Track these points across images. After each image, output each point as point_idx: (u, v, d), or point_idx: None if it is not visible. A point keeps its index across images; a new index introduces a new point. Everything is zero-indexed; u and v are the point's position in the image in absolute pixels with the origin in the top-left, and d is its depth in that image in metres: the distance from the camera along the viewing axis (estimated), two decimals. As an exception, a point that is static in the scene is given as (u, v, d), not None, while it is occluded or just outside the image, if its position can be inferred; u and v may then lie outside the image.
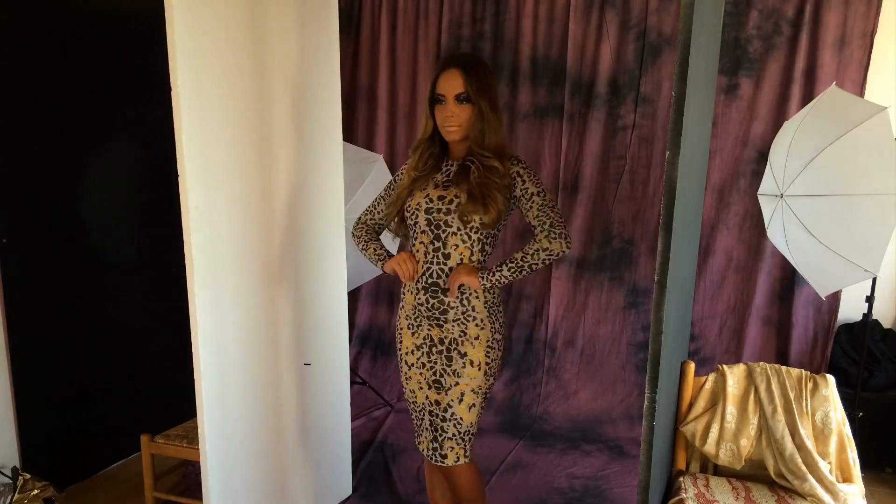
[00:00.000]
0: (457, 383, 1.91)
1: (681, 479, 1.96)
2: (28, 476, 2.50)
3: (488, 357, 1.93)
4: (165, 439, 2.45)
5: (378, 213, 2.10)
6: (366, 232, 2.11)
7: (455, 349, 1.91)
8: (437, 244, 1.90)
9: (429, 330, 1.95)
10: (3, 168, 2.51)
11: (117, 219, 2.99)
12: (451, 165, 1.96)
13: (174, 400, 2.78)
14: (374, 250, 2.07)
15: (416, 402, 2.03)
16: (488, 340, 1.93)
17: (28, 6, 2.56)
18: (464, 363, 1.91)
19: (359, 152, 3.40)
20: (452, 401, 1.91)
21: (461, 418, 1.92)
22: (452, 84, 1.85)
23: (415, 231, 1.95)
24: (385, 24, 3.94)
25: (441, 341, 1.93)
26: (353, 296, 4.10)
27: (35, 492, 2.46)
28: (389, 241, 3.42)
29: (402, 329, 2.03)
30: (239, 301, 2.08)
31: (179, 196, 1.85)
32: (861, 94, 3.08)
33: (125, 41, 2.92)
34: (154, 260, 3.10)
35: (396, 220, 2.02)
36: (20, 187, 2.58)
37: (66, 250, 2.76)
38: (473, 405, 1.93)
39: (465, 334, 1.91)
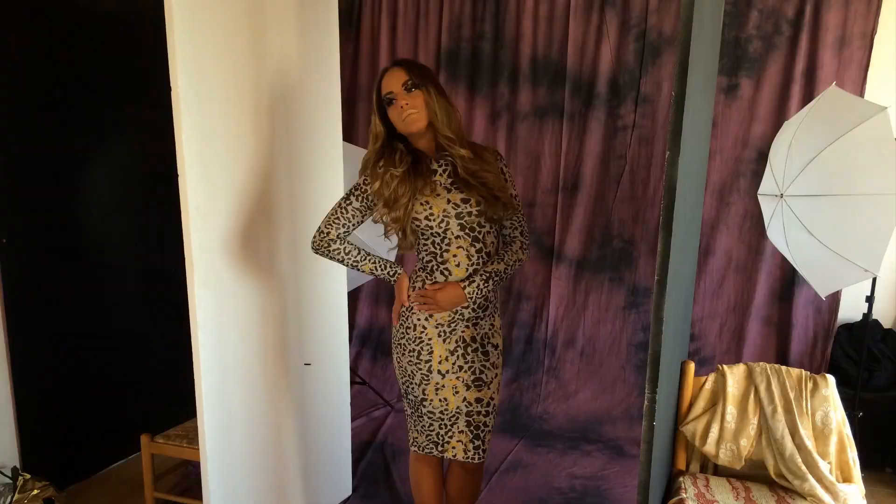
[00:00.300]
0: (496, 375, 2.02)
1: (681, 479, 1.96)
2: (28, 476, 2.50)
3: (503, 340, 2.10)
4: (165, 439, 2.45)
5: (352, 225, 1.95)
6: (346, 246, 1.94)
7: (488, 343, 2.00)
8: (478, 245, 1.92)
9: (462, 332, 1.95)
10: (3, 168, 2.51)
11: (117, 219, 2.99)
12: (440, 164, 1.93)
13: (174, 400, 2.79)
14: (378, 262, 1.97)
15: (445, 410, 1.96)
16: (500, 326, 2.07)
17: (28, 6, 2.56)
18: (497, 353, 2.03)
19: (359, 152, 3.39)
20: (494, 393, 2.01)
21: (497, 404, 2.03)
22: (396, 78, 1.85)
23: (444, 238, 1.90)
24: (385, 24, 3.94)
25: (474, 339, 1.97)
26: (353, 296, 4.10)
27: (35, 492, 2.46)
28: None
29: (429, 339, 1.94)
30: (239, 301, 2.08)
31: (179, 196, 1.85)
32: (861, 94, 3.08)
33: (125, 41, 2.92)
34: (154, 260, 3.10)
35: (401, 233, 1.93)
36: (20, 187, 2.58)
37: (65, 250, 2.76)
38: (499, 390, 2.06)
39: (493, 326, 2.02)
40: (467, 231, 1.89)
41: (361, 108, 4.09)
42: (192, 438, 2.40)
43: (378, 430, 3.41)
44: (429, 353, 1.94)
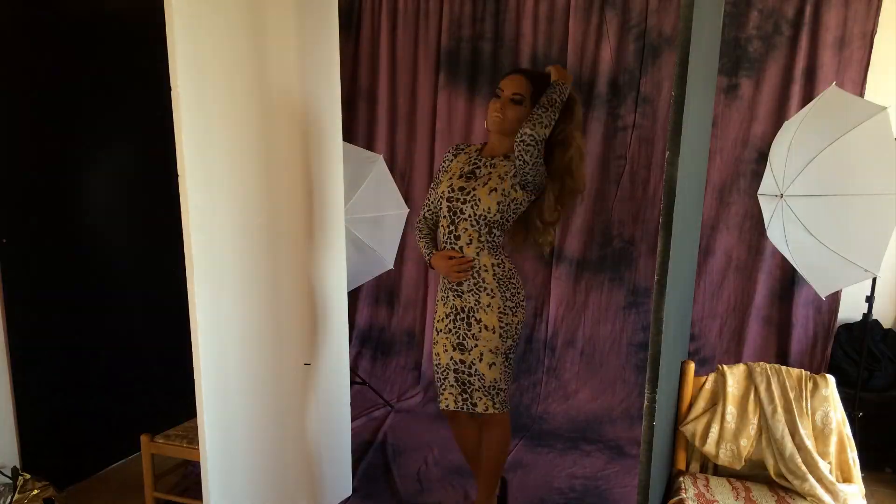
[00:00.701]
0: (476, 345, 2.22)
1: (681, 479, 1.96)
2: (28, 476, 2.50)
3: (501, 322, 2.21)
4: (165, 439, 2.45)
5: (430, 203, 2.36)
6: (426, 226, 2.37)
7: (472, 316, 2.22)
8: (451, 227, 2.23)
9: (454, 301, 2.25)
10: (4, 168, 2.51)
11: (117, 219, 2.99)
12: (481, 160, 2.25)
13: (174, 400, 2.78)
14: (423, 247, 2.34)
15: (439, 364, 2.31)
16: (500, 307, 2.20)
17: (28, 6, 2.56)
18: (479, 328, 2.21)
19: (359, 152, 3.40)
20: (474, 360, 2.23)
21: (483, 374, 2.23)
22: (513, 84, 2.15)
23: (440, 213, 2.28)
24: (385, 24, 3.94)
25: (462, 310, 2.24)
26: (353, 296, 4.10)
27: (35, 492, 2.46)
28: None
29: (438, 301, 2.34)
30: (239, 301, 2.08)
31: (179, 196, 1.85)
32: (861, 94, 3.08)
33: (125, 41, 2.92)
34: (154, 260, 3.09)
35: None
36: (20, 187, 2.58)
37: (66, 250, 2.76)
38: (493, 364, 2.22)
39: (479, 303, 2.21)
40: (450, 214, 2.22)
41: (361, 108, 4.09)
42: (192, 438, 2.40)
43: (378, 430, 3.41)
44: (436, 312, 2.35)
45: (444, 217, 2.24)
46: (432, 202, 2.35)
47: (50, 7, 2.63)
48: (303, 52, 2.29)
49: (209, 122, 1.90)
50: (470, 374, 2.24)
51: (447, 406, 2.30)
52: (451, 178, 2.26)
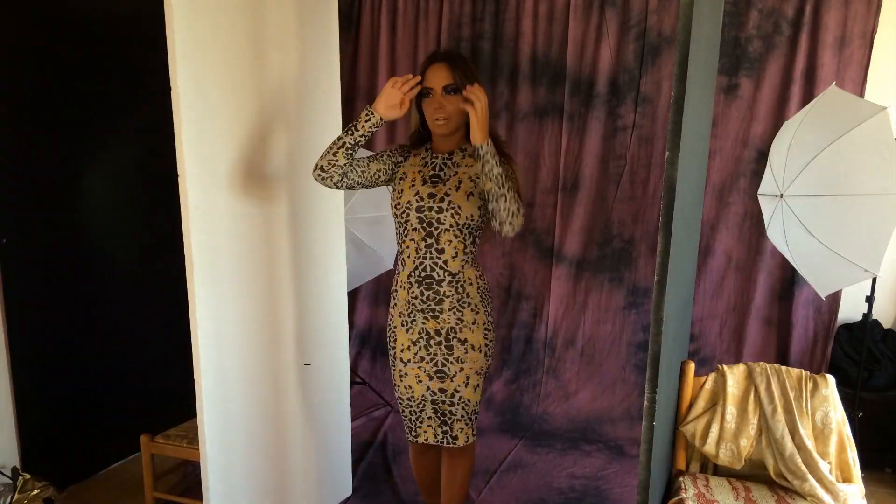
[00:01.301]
0: (461, 369, 2.00)
1: (681, 479, 1.96)
2: (28, 476, 2.50)
3: (486, 339, 2.04)
4: (165, 439, 2.45)
5: (359, 165, 1.98)
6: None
7: (454, 337, 1.99)
8: (429, 240, 1.95)
9: (423, 324, 2.00)
10: (4, 168, 2.51)
11: (117, 219, 2.99)
12: (437, 158, 2.01)
13: (174, 400, 2.78)
14: (351, 128, 1.93)
15: (412, 398, 2.06)
16: (484, 323, 2.02)
17: (28, 6, 2.56)
18: (465, 349, 1.99)
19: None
20: (459, 386, 2.01)
21: (468, 400, 2.03)
22: (439, 76, 1.90)
23: (405, 228, 1.98)
24: (385, 24, 3.94)
25: (438, 332, 1.99)
26: (353, 296, 4.10)
27: (35, 492, 2.46)
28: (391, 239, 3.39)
29: (395, 328, 2.07)
30: (239, 301, 2.08)
31: (179, 196, 1.85)
32: (861, 94, 3.08)
33: (125, 41, 2.92)
34: (154, 260, 3.10)
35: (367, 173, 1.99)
36: (20, 187, 2.58)
37: (66, 250, 2.76)
38: (478, 386, 2.04)
39: (462, 321, 1.98)
40: (424, 225, 1.94)
41: (361, 108, 4.08)
42: (192, 438, 2.40)
43: (378, 430, 3.41)
44: (394, 341, 2.07)
45: (415, 230, 1.95)
46: (363, 164, 1.99)
47: (50, 7, 2.63)
48: (303, 52, 2.29)
49: (209, 122, 1.90)
50: (452, 404, 2.02)
51: (426, 440, 2.08)
52: (413, 185, 1.97)
